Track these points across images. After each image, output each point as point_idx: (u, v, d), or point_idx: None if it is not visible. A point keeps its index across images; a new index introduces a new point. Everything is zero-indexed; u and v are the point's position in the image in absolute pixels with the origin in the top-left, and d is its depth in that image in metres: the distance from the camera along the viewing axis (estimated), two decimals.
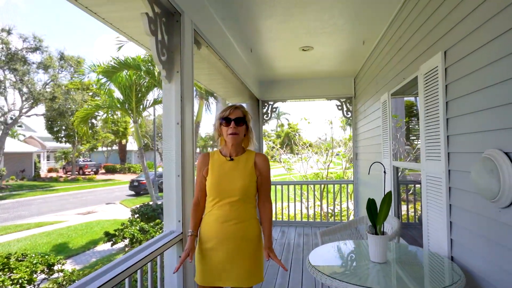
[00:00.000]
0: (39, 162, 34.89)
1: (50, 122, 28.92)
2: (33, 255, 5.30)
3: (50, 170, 36.53)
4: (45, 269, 5.24)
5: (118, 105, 10.21)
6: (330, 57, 5.07)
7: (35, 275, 4.97)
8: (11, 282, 4.62)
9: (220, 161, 1.95)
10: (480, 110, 1.83)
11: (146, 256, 1.99)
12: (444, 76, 2.26)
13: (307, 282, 3.62)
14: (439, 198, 2.36)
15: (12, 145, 28.60)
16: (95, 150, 36.43)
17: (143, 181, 21.79)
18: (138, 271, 1.96)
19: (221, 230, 1.87)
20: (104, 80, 9.47)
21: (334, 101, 6.75)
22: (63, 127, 29.46)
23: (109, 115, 11.68)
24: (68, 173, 34.82)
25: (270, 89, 6.68)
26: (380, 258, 2.09)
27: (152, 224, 8.02)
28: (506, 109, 1.59)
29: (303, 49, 4.59)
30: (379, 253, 2.09)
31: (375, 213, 2.15)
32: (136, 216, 9.94)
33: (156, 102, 10.70)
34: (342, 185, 6.96)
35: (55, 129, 29.68)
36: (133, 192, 22.03)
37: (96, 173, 36.35)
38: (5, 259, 5.06)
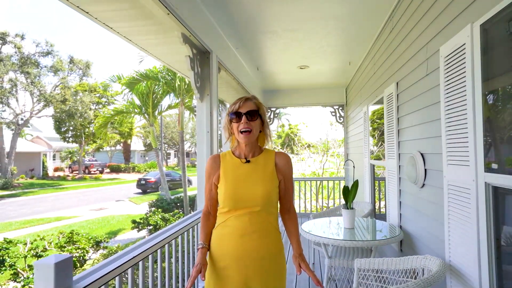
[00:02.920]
0: (46, 161, 35.88)
1: (58, 123, 29.99)
2: (84, 234, 6.40)
3: (56, 169, 37.43)
4: (94, 245, 6.31)
5: (136, 110, 11.29)
6: (324, 73, 6.04)
7: (87, 248, 6.04)
8: (75, 252, 5.71)
9: (234, 164, 1.64)
10: (412, 126, 2.80)
11: (188, 224, 2.97)
12: (396, 100, 3.23)
13: None
14: (394, 185, 3.33)
15: (21, 145, 29.59)
16: (101, 150, 37.42)
17: (150, 180, 22.86)
18: (185, 233, 2.94)
19: (239, 245, 1.54)
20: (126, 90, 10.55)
21: (329, 107, 7.73)
22: (71, 128, 30.51)
23: (126, 118, 12.69)
24: (74, 172, 35.75)
25: (272, 97, 7.65)
26: (349, 225, 3.07)
27: (171, 213, 9.08)
28: (423, 126, 2.56)
29: (300, 68, 5.56)
30: (349, 221, 3.07)
31: (347, 194, 3.12)
32: (152, 209, 11.00)
33: (170, 107, 11.76)
34: (335, 182, 7.92)
35: (62, 130, 30.76)
36: (140, 190, 23.01)
37: (101, 172, 37.32)
38: (70, 234, 6.18)
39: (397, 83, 3.21)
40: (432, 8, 2.28)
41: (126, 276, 2.02)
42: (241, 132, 1.58)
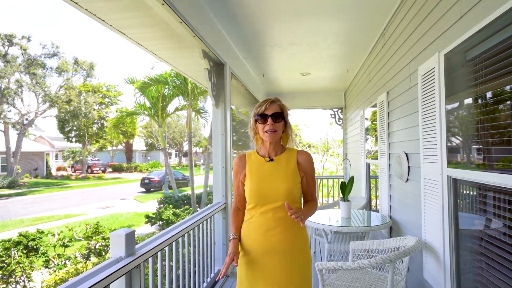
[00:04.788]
0: (49, 161, 36.30)
1: (61, 123, 30.52)
2: (105, 226, 6.94)
3: (58, 169, 37.84)
4: None
5: (146, 112, 11.84)
6: (324, 79, 6.53)
7: None
8: (101, 241, 6.23)
9: (258, 163, 1.77)
10: (399, 130, 3.29)
11: (206, 214, 3.44)
12: (387, 106, 3.71)
13: None
14: (385, 181, 3.82)
15: (25, 145, 30.05)
16: (104, 149, 37.90)
17: (154, 179, 23.38)
18: (204, 222, 3.43)
19: (264, 241, 1.67)
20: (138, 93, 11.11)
21: (328, 110, 8.22)
22: (74, 128, 31.03)
23: (136, 119, 13.24)
24: (77, 171, 36.15)
25: None
26: (346, 214, 3.56)
27: (182, 209, 9.63)
28: (407, 130, 3.04)
29: (302, 74, 6.05)
30: (346, 211, 3.56)
31: (344, 188, 3.61)
32: (163, 205, 11.54)
33: (177, 109, 12.29)
34: (335, 180, 8.40)
35: (66, 130, 31.28)
36: (143, 189, 23.50)
37: (104, 171, 37.73)
38: (95, 225, 6.70)
39: (387, 92, 3.70)
40: (413, 34, 2.77)
41: (164, 251, 2.50)
42: (266, 132, 1.69)
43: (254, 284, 1.69)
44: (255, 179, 1.74)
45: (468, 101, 1.95)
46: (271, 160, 1.76)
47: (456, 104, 2.09)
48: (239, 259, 1.73)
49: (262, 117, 1.71)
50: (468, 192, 2.08)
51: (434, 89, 2.26)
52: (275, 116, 1.70)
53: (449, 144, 2.12)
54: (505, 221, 1.65)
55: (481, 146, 1.86)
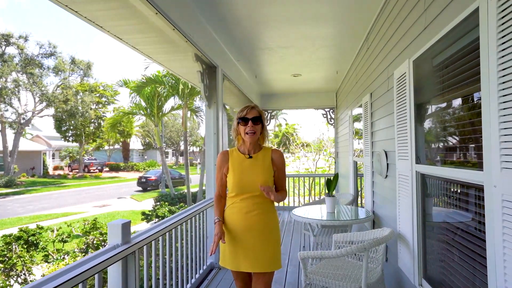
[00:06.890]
0: (46, 160, 36.27)
1: (58, 122, 30.55)
2: (103, 222, 7.14)
3: (55, 168, 37.84)
4: None
5: (143, 112, 12.02)
6: (315, 80, 6.74)
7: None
8: (99, 236, 6.44)
9: (239, 159, 2.07)
10: (380, 129, 3.50)
11: (199, 209, 3.64)
12: (371, 107, 3.92)
13: (295, 241, 5.29)
14: (369, 178, 4.03)
15: (22, 144, 30.06)
16: (101, 149, 37.92)
17: (150, 178, 23.53)
18: (200, 214, 3.62)
19: (244, 220, 2.01)
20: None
21: (321, 110, 8.43)
22: (71, 127, 31.06)
23: (132, 118, 13.41)
24: (74, 170, 36.18)
25: (269, 100, 8.35)
26: (331, 209, 3.77)
27: (177, 206, 9.85)
28: (386, 130, 3.25)
29: (293, 75, 6.25)
30: (331, 206, 3.77)
31: (330, 185, 3.82)
32: (158, 203, 11.75)
33: (173, 108, 12.47)
34: (327, 178, 8.64)
35: (63, 129, 31.31)
36: (140, 188, 23.63)
37: (101, 170, 37.79)
38: (93, 221, 6.89)
39: (371, 94, 3.91)
40: (390, 41, 2.98)
41: (159, 242, 2.70)
42: (247, 133, 2.02)
43: (235, 256, 2.03)
44: (237, 173, 2.05)
45: (430, 104, 2.16)
46: (251, 157, 2.09)
47: (422, 107, 2.30)
48: (225, 235, 2.06)
49: (243, 121, 2.03)
50: (436, 188, 2.29)
51: (405, 92, 2.47)
52: (254, 119, 2.03)
53: (417, 142, 2.33)
54: (467, 213, 1.86)
55: (442, 144, 2.07)
